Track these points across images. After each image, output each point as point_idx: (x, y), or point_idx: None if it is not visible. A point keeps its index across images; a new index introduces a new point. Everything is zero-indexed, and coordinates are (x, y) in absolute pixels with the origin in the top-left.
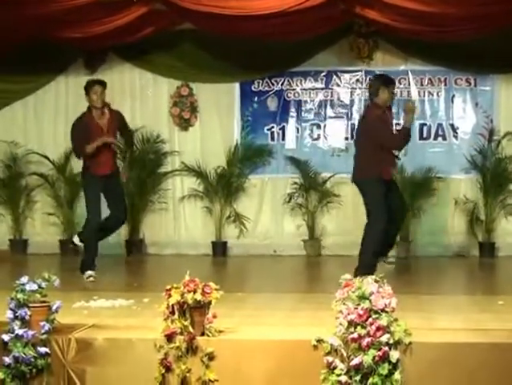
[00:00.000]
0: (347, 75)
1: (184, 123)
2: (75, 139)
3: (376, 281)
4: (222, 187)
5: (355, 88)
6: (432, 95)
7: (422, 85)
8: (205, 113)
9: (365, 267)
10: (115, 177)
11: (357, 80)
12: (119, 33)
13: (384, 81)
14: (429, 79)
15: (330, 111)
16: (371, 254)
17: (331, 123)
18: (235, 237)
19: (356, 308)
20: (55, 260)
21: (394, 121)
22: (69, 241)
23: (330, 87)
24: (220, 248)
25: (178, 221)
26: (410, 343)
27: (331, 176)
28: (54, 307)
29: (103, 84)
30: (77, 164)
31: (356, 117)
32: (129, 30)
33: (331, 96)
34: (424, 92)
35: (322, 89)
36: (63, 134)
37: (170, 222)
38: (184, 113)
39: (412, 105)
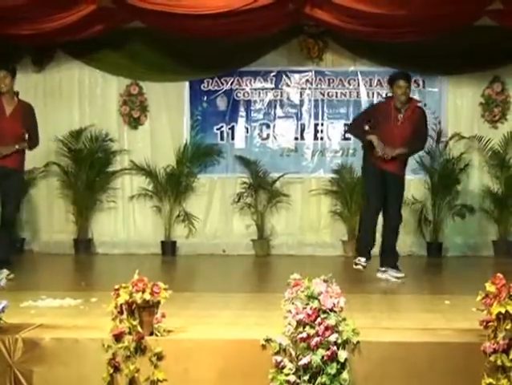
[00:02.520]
0: (296, 75)
1: (134, 122)
2: None
3: (325, 281)
4: (172, 186)
5: (305, 88)
6: (381, 95)
7: (371, 86)
8: (154, 112)
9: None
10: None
11: (307, 80)
12: (68, 30)
13: (388, 80)
14: (378, 80)
15: (279, 111)
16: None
17: (281, 123)
18: (184, 236)
19: (305, 308)
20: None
21: (400, 121)
22: None
23: (279, 87)
24: (169, 247)
25: (127, 221)
26: (358, 343)
27: (280, 176)
28: (0, 307)
29: (9, 71)
30: None
31: (306, 117)
32: (78, 27)
33: (281, 96)
34: (373, 93)
35: (271, 89)
36: None
37: (119, 221)
38: (134, 112)
39: (386, 153)
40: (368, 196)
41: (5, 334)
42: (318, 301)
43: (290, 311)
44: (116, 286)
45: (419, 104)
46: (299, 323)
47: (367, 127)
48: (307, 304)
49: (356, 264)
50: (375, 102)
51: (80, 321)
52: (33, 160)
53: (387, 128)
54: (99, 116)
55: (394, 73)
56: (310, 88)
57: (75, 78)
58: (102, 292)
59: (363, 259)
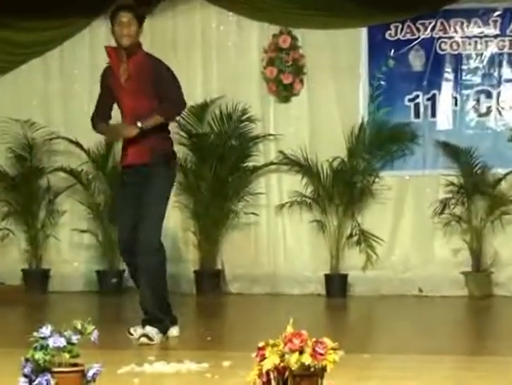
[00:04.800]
0: None
1: (285, 92)
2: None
3: None
4: (341, 190)
5: None
6: None
7: None
8: (315, 76)
9: None
10: None
11: None
12: None
13: None
14: None
15: (507, 72)
16: None
17: (510, 90)
18: (360, 267)
19: None
20: (91, 301)
21: None
22: (110, 272)
23: (508, 33)
24: (337, 284)
25: (275, 243)
26: None
27: (508, 173)
28: (90, 373)
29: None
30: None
31: None
32: None
33: (510, 48)
34: None
35: (495, 36)
36: None
37: (263, 244)
38: (285, 76)
39: None
40: None
41: None
42: None
43: None
44: (261, 344)
45: None
46: None
47: None
48: None
49: None
50: None
51: None
52: None
53: None
54: (231, 83)
55: None
56: None
57: (197, 24)
58: (238, 352)
59: None
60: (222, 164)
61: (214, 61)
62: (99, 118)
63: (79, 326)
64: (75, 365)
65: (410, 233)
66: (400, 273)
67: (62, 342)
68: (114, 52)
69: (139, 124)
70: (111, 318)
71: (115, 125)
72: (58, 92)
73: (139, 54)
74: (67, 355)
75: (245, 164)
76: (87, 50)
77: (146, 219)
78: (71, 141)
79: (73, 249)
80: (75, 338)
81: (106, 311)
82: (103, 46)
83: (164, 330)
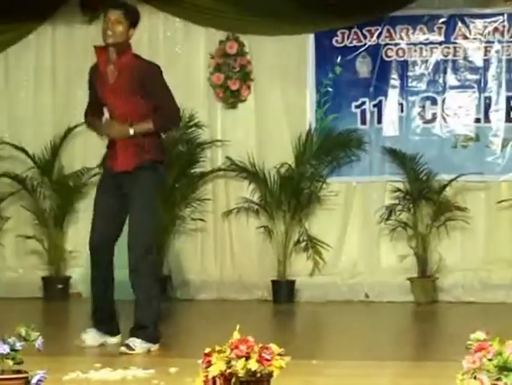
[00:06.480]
0: (479, 22)
1: (232, 98)
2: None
3: None
4: (288, 196)
5: (492, 42)
6: None
7: None
8: (262, 82)
9: None
10: None
11: (495, 30)
12: None
13: None
14: None
15: (452, 79)
16: None
17: (454, 98)
18: (307, 273)
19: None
20: (36, 308)
21: None
22: (56, 278)
23: (452, 40)
24: (284, 290)
25: (221, 249)
26: None
27: (452, 180)
28: (34, 380)
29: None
30: (70, 161)
31: (493, 87)
32: None
33: (455, 55)
34: None
35: (440, 43)
36: (50, 111)
37: (210, 250)
38: (232, 82)
39: None
40: None
41: None
42: None
43: None
44: (207, 350)
45: None
46: None
47: None
48: (499, 379)
49: None
50: None
51: None
52: (79, 157)
53: None
54: (179, 89)
55: None
56: (500, 42)
57: (144, 31)
58: (185, 358)
59: None
60: (169, 169)
61: (161, 67)
62: (92, 114)
63: (24, 333)
64: (19, 372)
65: (357, 238)
66: (347, 279)
67: (5, 349)
68: (102, 52)
69: (131, 131)
70: (57, 325)
71: (109, 122)
72: (3, 98)
73: (127, 54)
74: (10, 362)
75: (192, 170)
76: (33, 56)
77: (136, 223)
78: (15, 147)
79: (18, 256)
80: (19, 345)
81: (51, 318)
82: (93, 46)
83: (150, 339)
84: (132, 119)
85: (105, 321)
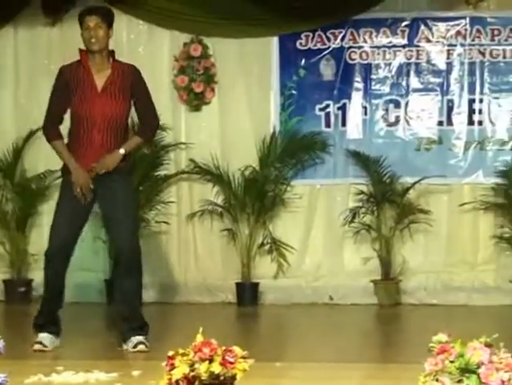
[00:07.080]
0: (442, 25)
1: (196, 101)
2: None
3: (488, 345)
4: (252, 198)
5: (455, 45)
6: None
7: None
8: (226, 85)
9: None
10: None
11: (458, 33)
12: None
13: None
14: None
15: (415, 81)
16: None
17: (417, 100)
18: (271, 276)
19: None
20: None
21: None
22: (18, 281)
23: (416, 43)
24: (248, 292)
25: (185, 252)
26: None
27: (415, 182)
28: None
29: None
30: (33, 163)
31: (456, 90)
32: None
33: (418, 58)
34: None
35: (403, 46)
36: (12, 113)
37: (173, 253)
38: (196, 84)
39: None
40: None
41: None
42: (478, 376)
43: None
44: (170, 353)
45: None
46: None
47: None
48: (460, 381)
49: None
50: None
51: None
52: (42, 160)
53: None
54: None
55: None
56: (462, 45)
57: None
58: (148, 361)
59: None
60: (134, 172)
61: None
62: (53, 125)
63: None
64: None
65: (321, 241)
66: (311, 282)
67: None
68: (86, 57)
69: (122, 151)
70: (18, 328)
71: (100, 162)
72: None
73: (113, 59)
74: None
75: (156, 173)
76: None
77: (123, 223)
78: None
79: None
80: None
81: (13, 321)
82: (78, 49)
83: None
84: (119, 125)
85: (56, 322)
